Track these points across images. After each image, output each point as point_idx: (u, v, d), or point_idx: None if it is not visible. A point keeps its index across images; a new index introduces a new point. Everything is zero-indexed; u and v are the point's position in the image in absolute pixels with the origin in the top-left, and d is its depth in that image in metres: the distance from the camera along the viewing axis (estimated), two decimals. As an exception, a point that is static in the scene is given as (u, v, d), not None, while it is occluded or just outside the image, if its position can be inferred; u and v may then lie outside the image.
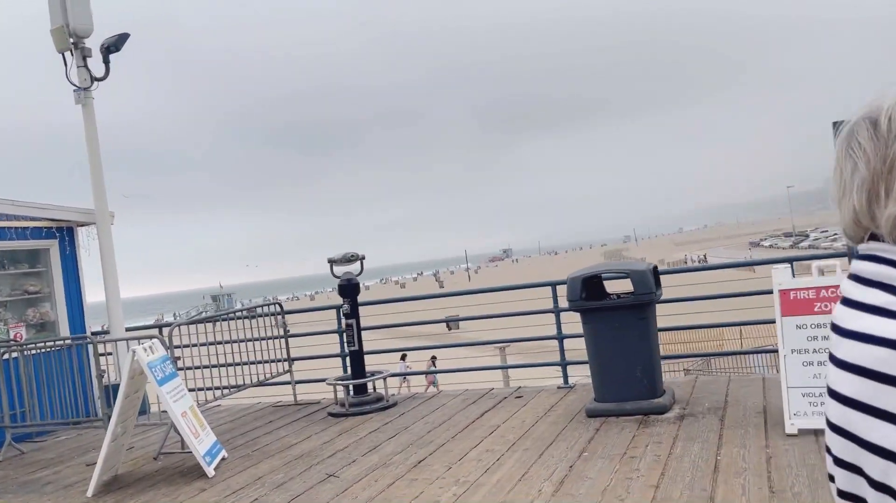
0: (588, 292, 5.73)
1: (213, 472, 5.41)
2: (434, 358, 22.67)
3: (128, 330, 8.88)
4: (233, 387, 7.28)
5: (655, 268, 5.65)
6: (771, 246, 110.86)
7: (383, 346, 8.87)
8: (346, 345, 7.37)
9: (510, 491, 4.21)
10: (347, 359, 7.97)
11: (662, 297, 5.91)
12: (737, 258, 78.82)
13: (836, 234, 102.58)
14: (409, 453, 5.34)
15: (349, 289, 7.26)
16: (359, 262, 7.36)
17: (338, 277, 7.33)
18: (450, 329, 45.80)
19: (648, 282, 5.53)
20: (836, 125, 5.74)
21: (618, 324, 5.59)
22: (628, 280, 5.96)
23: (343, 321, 7.40)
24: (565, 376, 7.04)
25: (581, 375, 7.33)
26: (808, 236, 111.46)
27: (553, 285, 7.07)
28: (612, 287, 6.07)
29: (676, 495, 3.78)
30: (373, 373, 7.38)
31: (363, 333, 7.32)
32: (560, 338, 7.09)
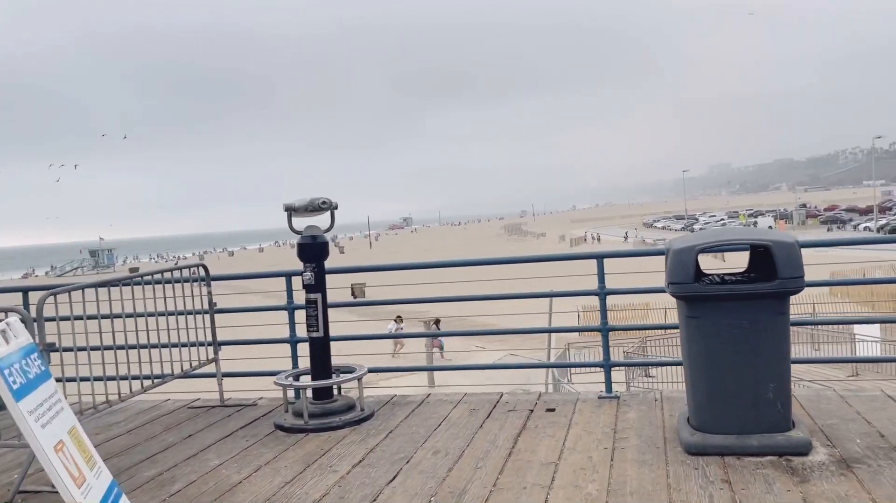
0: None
1: (107, 546, 3.22)
2: (438, 321, 22.30)
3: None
4: (150, 377, 5.02)
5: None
6: (664, 227, 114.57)
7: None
8: (304, 328, 5.21)
9: None
10: (299, 347, 5.86)
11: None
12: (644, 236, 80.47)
13: (723, 219, 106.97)
14: (439, 516, 3.35)
15: (314, 249, 5.10)
16: (329, 213, 5.19)
17: (298, 232, 5.15)
18: (354, 296, 43.63)
19: (798, 261, 3.75)
20: None
21: (748, 321, 3.78)
22: (731, 255, 4.18)
23: (301, 296, 5.24)
24: (608, 383, 5.20)
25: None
26: (697, 220, 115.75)
27: (598, 257, 5.18)
28: (707, 263, 4.26)
29: None
30: (340, 369, 5.30)
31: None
32: (604, 329, 5.24)
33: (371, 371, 5.44)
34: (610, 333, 5.29)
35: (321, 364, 5.12)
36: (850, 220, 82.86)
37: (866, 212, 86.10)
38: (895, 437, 3.89)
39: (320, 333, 5.08)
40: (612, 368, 5.28)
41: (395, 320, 24.11)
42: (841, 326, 17.22)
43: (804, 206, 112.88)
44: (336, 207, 5.15)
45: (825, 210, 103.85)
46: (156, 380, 5.26)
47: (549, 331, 11.33)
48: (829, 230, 76.94)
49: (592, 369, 18.26)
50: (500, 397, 5.36)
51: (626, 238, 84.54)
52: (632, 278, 5.83)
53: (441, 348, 23.87)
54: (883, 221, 70.29)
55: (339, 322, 6.05)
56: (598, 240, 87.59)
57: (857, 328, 16.03)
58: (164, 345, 5.33)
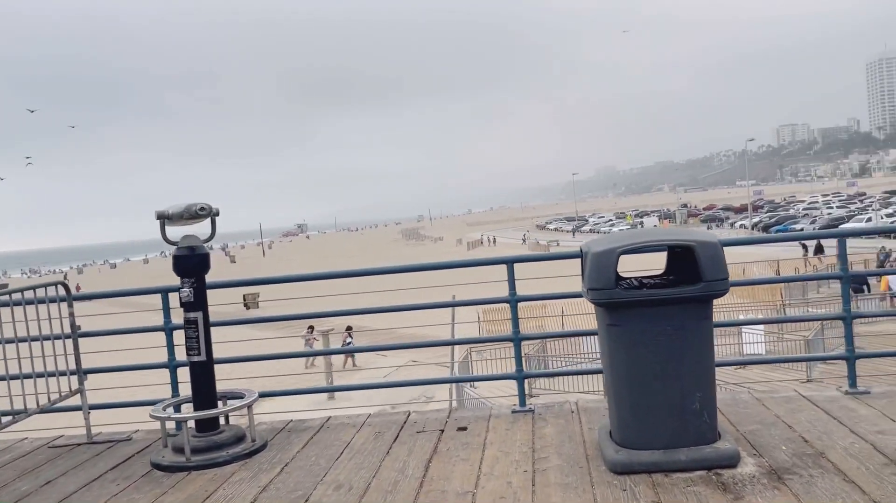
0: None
1: None
2: (350, 327, 22.52)
3: None
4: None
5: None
6: (556, 229, 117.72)
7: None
8: (184, 352, 4.60)
9: None
10: (180, 372, 5.21)
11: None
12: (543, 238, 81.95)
13: (611, 220, 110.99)
14: (342, 568, 2.90)
15: (192, 262, 4.50)
16: (209, 220, 4.61)
17: (173, 243, 4.54)
18: (248, 308, 41.93)
19: (722, 263, 3.54)
20: None
21: (673, 327, 3.54)
22: (652, 256, 3.97)
23: (179, 315, 4.63)
24: (521, 396, 4.87)
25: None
26: (587, 221, 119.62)
27: (508, 262, 4.84)
28: (624, 266, 4.01)
29: None
30: (227, 396, 4.73)
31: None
32: (517, 339, 4.91)
33: (263, 395, 4.89)
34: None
35: (204, 391, 4.53)
36: (727, 218, 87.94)
37: (741, 210, 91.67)
38: (819, 442, 3.76)
39: (202, 357, 4.49)
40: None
41: (308, 329, 23.55)
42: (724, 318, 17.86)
43: (685, 205, 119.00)
44: (217, 214, 4.58)
45: (704, 209, 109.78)
46: (5, 419, 4.53)
47: (455, 342, 10.98)
48: (708, 228, 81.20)
49: (496, 369, 18.18)
50: (408, 417, 4.94)
51: (524, 240, 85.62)
52: (542, 283, 5.56)
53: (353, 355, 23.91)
54: (756, 219, 74.96)
55: (229, 342, 5.47)
56: (494, 242, 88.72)
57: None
58: (15, 377, 4.59)
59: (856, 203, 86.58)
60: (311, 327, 23.47)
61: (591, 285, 3.58)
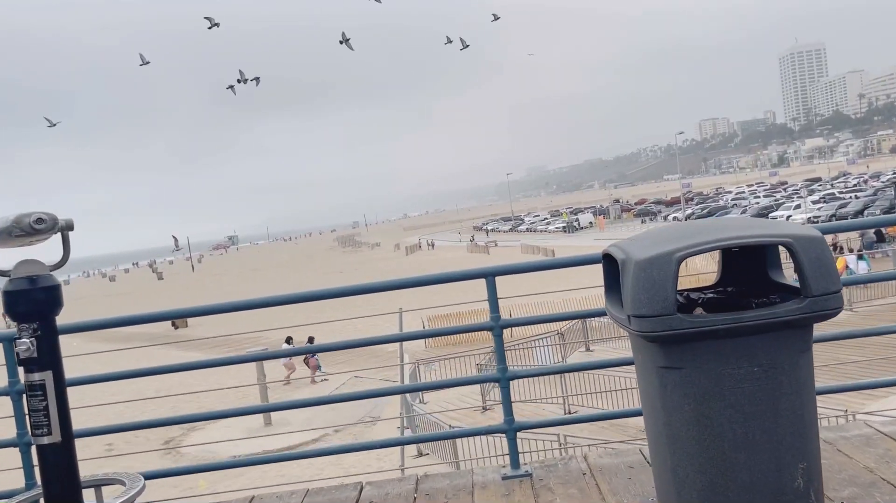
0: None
1: None
2: (311, 339, 21.02)
3: None
4: None
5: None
6: (493, 230, 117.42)
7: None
8: (28, 429, 3.18)
9: None
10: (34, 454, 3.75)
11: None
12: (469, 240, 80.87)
13: (546, 218, 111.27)
14: None
15: (33, 300, 3.07)
16: (59, 236, 3.19)
17: (3, 273, 3.11)
18: (176, 328, 39.56)
19: (832, 267, 2.37)
20: None
21: (761, 367, 2.35)
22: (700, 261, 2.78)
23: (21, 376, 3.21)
24: (514, 455, 3.60)
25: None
26: (523, 220, 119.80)
27: (488, 276, 3.57)
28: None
29: None
30: (100, 484, 3.32)
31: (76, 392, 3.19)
32: (504, 378, 3.64)
33: (151, 477, 3.50)
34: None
35: (61, 485, 3.11)
36: (660, 211, 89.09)
37: (672, 203, 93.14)
38: (958, 515, 2.64)
39: (55, 437, 3.07)
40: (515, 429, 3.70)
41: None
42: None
43: (617, 201, 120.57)
44: (70, 227, 3.16)
45: (636, 204, 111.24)
46: None
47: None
48: (643, 222, 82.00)
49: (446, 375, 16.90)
50: (361, 491, 3.62)
51: (472, 240, 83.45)
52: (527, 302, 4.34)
53: (319, 367, 22.37)
54: (689, 211, 76.02)
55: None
56: (433, 246, 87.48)
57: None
58: None
59: (780, 192, 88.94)
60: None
61: (639, 310, 2.35)
